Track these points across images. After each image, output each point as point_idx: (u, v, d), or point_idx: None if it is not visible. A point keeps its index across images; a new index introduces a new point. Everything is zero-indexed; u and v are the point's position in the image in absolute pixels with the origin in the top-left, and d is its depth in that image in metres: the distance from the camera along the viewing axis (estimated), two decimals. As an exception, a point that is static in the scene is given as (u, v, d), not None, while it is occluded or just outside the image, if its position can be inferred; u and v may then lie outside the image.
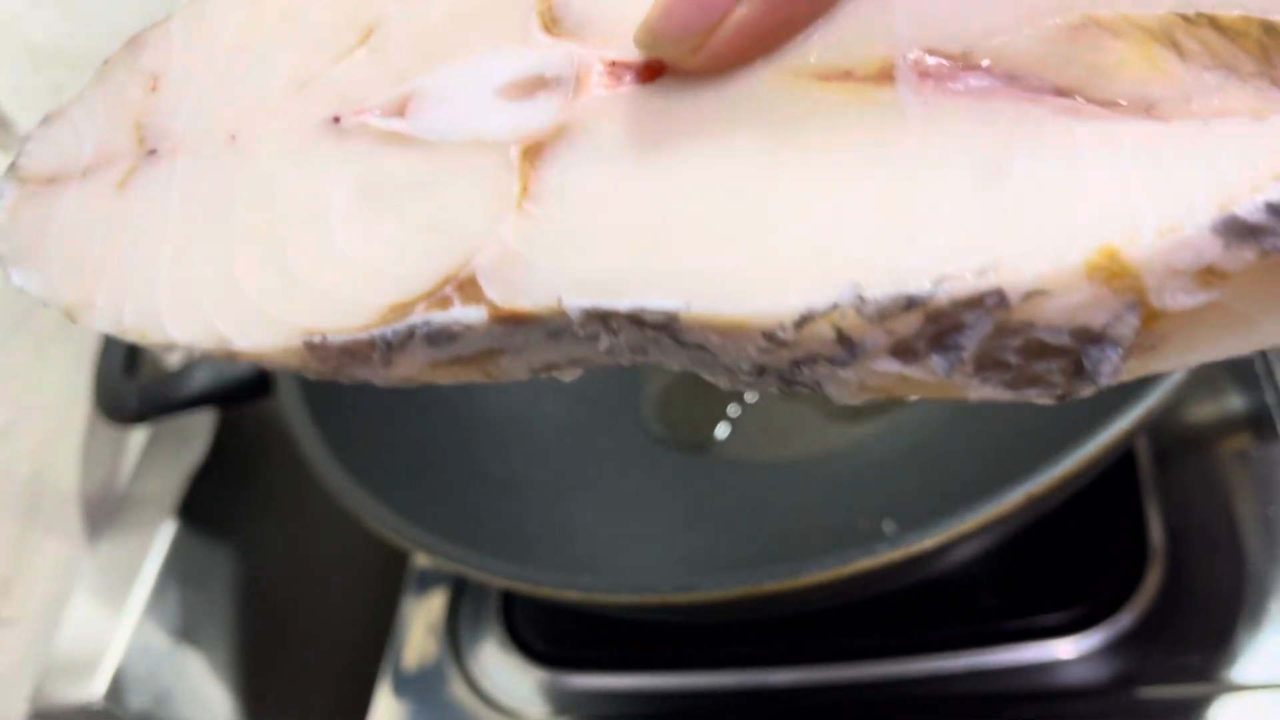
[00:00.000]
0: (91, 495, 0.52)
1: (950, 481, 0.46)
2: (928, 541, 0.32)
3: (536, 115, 0.18)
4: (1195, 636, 0.42)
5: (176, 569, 0.52)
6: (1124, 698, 0.42)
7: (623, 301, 0.17)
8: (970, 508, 0.32)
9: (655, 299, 0.16)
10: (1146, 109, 0.15)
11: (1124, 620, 0.44)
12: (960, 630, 0.45)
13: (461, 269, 0.18)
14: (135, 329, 0.22)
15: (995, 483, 0.42)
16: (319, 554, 0.63)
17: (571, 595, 0.35)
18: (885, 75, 0.16)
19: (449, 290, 0.18)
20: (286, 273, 0.20)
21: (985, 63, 0.16)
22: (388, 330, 0.18)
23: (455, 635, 0.54)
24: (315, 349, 0.19)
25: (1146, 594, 0.44)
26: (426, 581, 0.56)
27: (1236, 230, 0.14)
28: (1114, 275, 0.14)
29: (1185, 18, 0.15)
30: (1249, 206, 0.14)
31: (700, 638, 0.48)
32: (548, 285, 0.17)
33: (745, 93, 0.17)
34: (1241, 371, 0.50)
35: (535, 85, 0.19)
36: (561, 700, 0.49)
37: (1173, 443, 0.48)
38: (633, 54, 0.18)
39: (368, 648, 0.57)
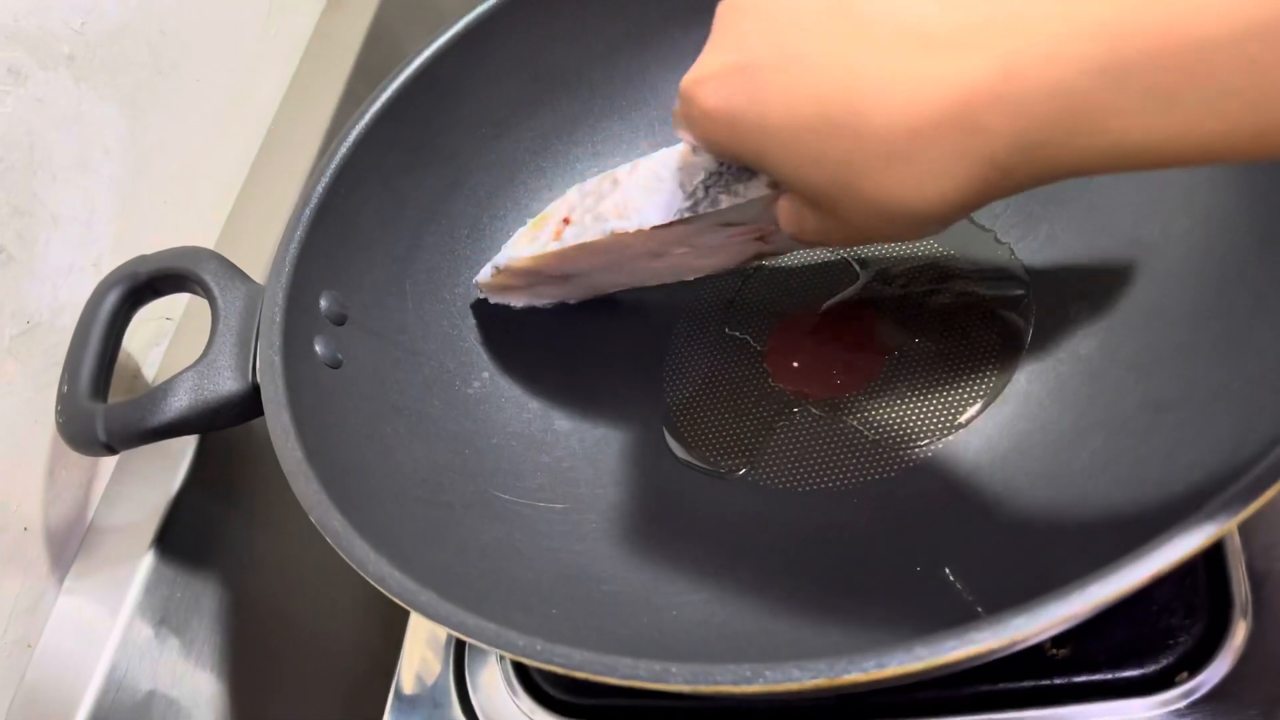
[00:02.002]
0: (58, 527, 0.47)
1: (1004, 523, 0.41)
2: (1031, 627, 0.28)
3: None
4: (1290, 698, 0.38)
5: (153, 609, 0.47)
6: (1207, 763, 0.38)
7: None
8: (1082, 586, 0.28)
9: None
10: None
11: (1209, 678, 0.39)
12: (1028, 685, 0.41)
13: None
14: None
15: (1060, 530, 0.38)
16: (314, 577, 0.58)
17: (610, 680, 0.31)
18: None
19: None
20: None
21: None
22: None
23: (461, 670, 0.49)
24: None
25: (1233, 648, 0.40)
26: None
27: None
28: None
29: None
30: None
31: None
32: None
33: None
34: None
35: None
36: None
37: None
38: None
39: (369, 671, 0.52)
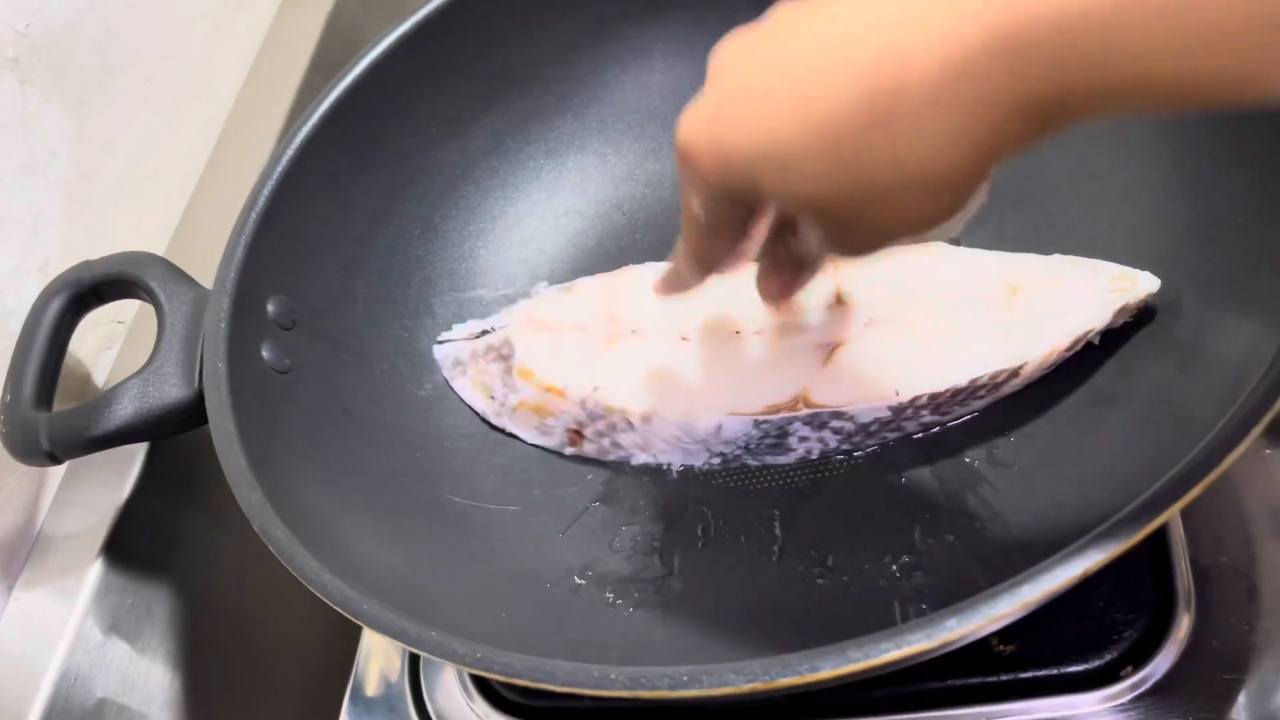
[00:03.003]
0: (6, 536, 0.47)
1: (953, 518, 0.42)
2: (962, 629, 0.28)
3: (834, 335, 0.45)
4: (1230, 693, 0.39)
5: (103, 617, 0.47)
6: (1152, 755, 0.39)
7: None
8: (1005, 592, 0.28)
9: None
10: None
11: (1153, 671, 0.40)
12: (976, 682, 0.41)
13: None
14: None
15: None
16: (270, 581, 0.57)
17: (550, 687, 0.30)
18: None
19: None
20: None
21: None
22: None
23: (416, 673, 0.49)
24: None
25: (1176, 642, 0.40)
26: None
27: None
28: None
29: None
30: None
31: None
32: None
33: None
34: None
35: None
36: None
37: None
38: (878, 315, 0.45)
39: (326, 675, 0.52)
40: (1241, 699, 0.39)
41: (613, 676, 0.29)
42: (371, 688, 0.50)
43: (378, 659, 0.50)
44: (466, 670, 0.32)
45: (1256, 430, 0.29)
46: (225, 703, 0.52)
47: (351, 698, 0.49)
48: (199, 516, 0.53)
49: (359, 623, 0.34)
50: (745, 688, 0.28)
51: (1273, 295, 0.34)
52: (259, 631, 0.55)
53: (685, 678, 0.29)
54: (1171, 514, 0.28)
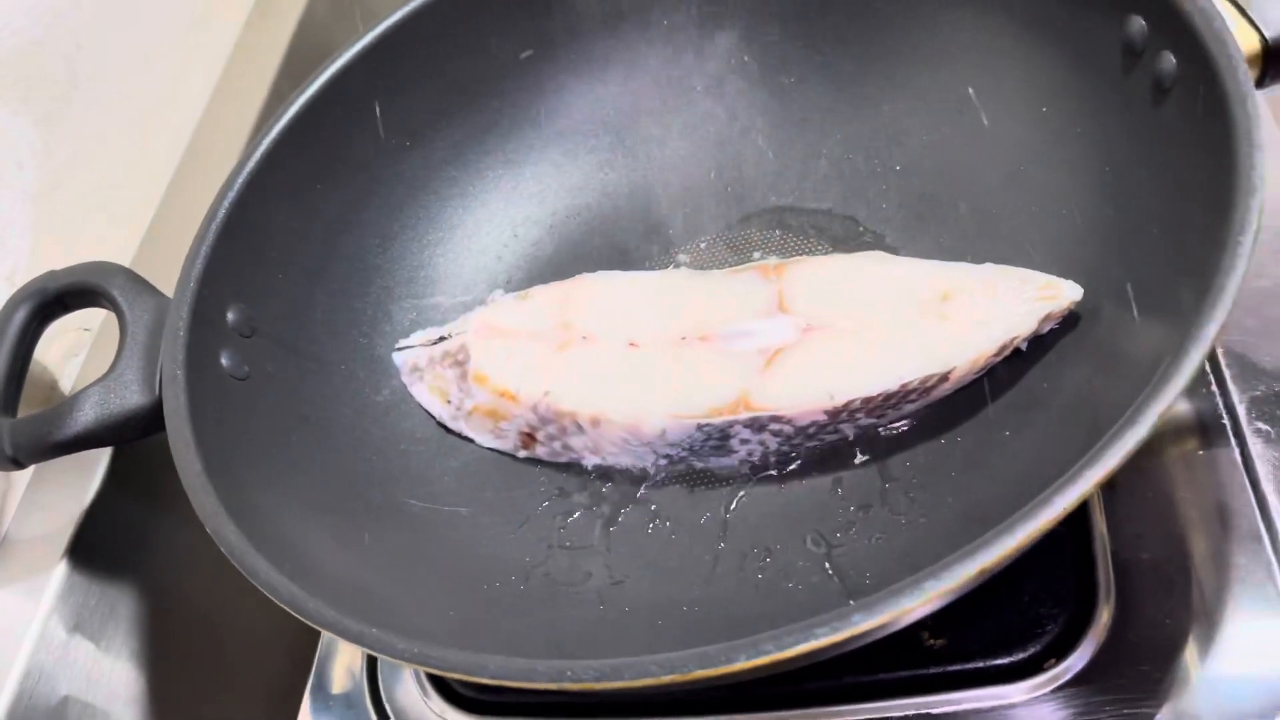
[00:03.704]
0: (-30, 539, 0.48)
1: (885, 515, 0.43)
2: (872, 621, 0.29)
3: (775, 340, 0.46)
4: (1148, 683, 0.41)
5: (67, 617, 0.48)
6: (1075, 742, 0.40)
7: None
8: (917, 585, 0.29)
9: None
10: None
11: (1074, 663, 0.42)
12: (906, 674, 0.43)
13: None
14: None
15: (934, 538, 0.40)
16: (233, 581, 0.59)
17: (483, 680, 0.32)
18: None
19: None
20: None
21: None
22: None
23: (374, 672, 0.51)
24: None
25: (1096, 634, 0.42)
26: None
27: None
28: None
29: None
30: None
31: (632, 686, 0.45)
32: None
33: None
34: (1192, 390, 0.48)
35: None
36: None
37: (1122, 470, 0.46)
38: (817, 321, 0.46)
39: (288, 673, 0.53)
40: (1158, 689, 0.41)
41: (539, 669, 0.31)
42: (333, 685, 0.51)
43: (341, 658, 0.52)
44: (406, 665, 0.33)
45: (1143, 429, 0.30)
46: (189, 701, 0.53)
47: (312, 695, 0.50)
48: (163, 519, 0.54)
49: (305, 620, 0.35)
50: (665, 679, 0.30)
51: (1177, 300, 0.36)
52: (222, 631, 0.57)
53: (608, 670, 0.30)
54: (1058, 518, 0.29)
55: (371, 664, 0.51)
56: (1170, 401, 0.31)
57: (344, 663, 0.51)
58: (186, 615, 0.54)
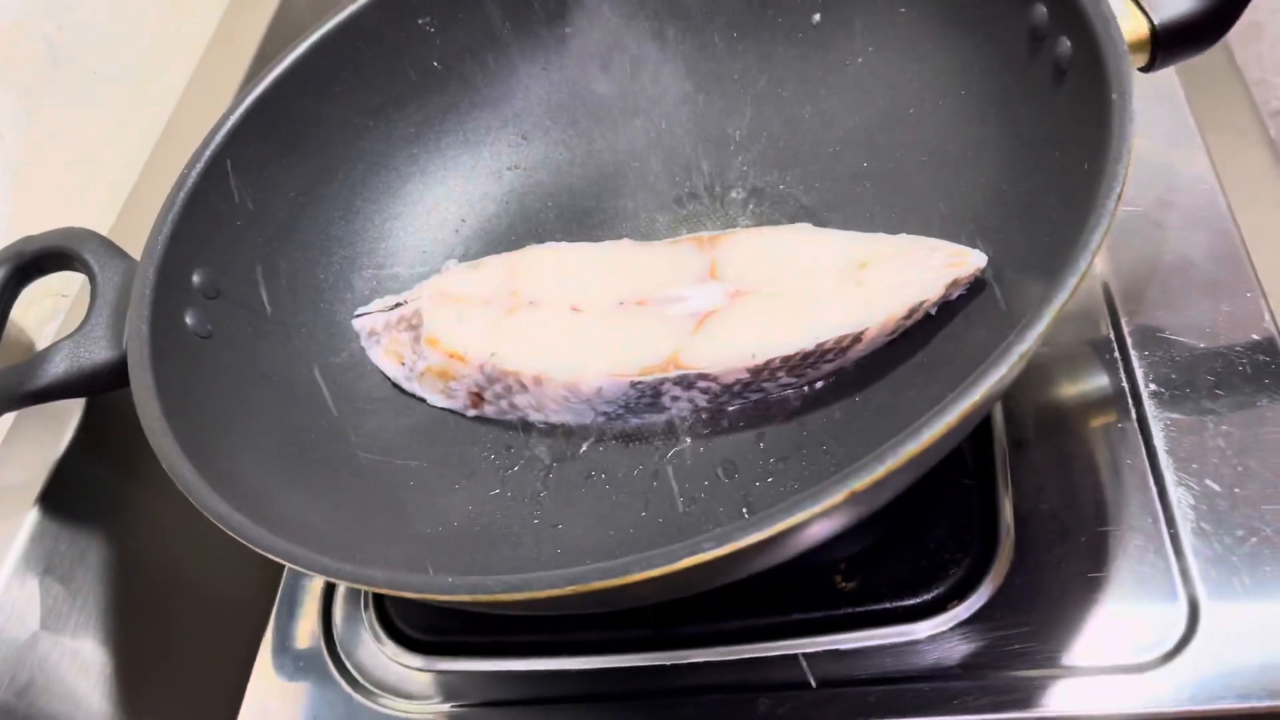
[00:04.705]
0: (-53, 485, 0.51)
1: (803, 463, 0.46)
2: (752, 537, 0.32)
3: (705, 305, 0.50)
4: (1041, 620, 0.44)
5: (37, 560, 0.51)
6: (974, 678, 0.43)
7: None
8: (790, 506, 0.32)
9: None
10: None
11: (972, 604, 0.45)
12: (820, 615, 0.46)
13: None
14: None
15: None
16: (202, 537, 0.62)
17: (409, 595, 0.35)
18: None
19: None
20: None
21: None
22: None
23: (329, 621, 0.54)
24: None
25: (993, 579, 0.45)
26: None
27: None
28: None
29: None
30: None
31: (564, 624, 0.49)
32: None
33: None
34: (1095, 355, 0.51)
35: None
36: (432, 684, 0.50)
37: (1028, 431, 0.49)
38: (745, 288, 0.50)
39: (252, 633, 0.56)
40: (1048, 627, 0.44)
41: (458, 584, 0.34)
42: (292, 634, 0.54)
43: (293, 613, 0.55)
44: (331, 580, 0.36)
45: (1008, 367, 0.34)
46: (153, 643, 0.56)
47: (274, 639, 0.53)
48: (131, 473, 0.57)
49: (250, 546, 0.38)
50: (568, 590, 0.33)
51: (1059, 261, 0.39)
52: (188, 583, 0.60)
53: (518, 583, 0.33)
54: (923, 448, 0.32)
55: (326, 612, 0.54)
56: (1032, 341, 0.34)
57: (299, 616, 0.54)
58: (152, 563, 0.57)
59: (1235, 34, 0.46)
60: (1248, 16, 0.45)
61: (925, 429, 0.33)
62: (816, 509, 0.32)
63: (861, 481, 0.32)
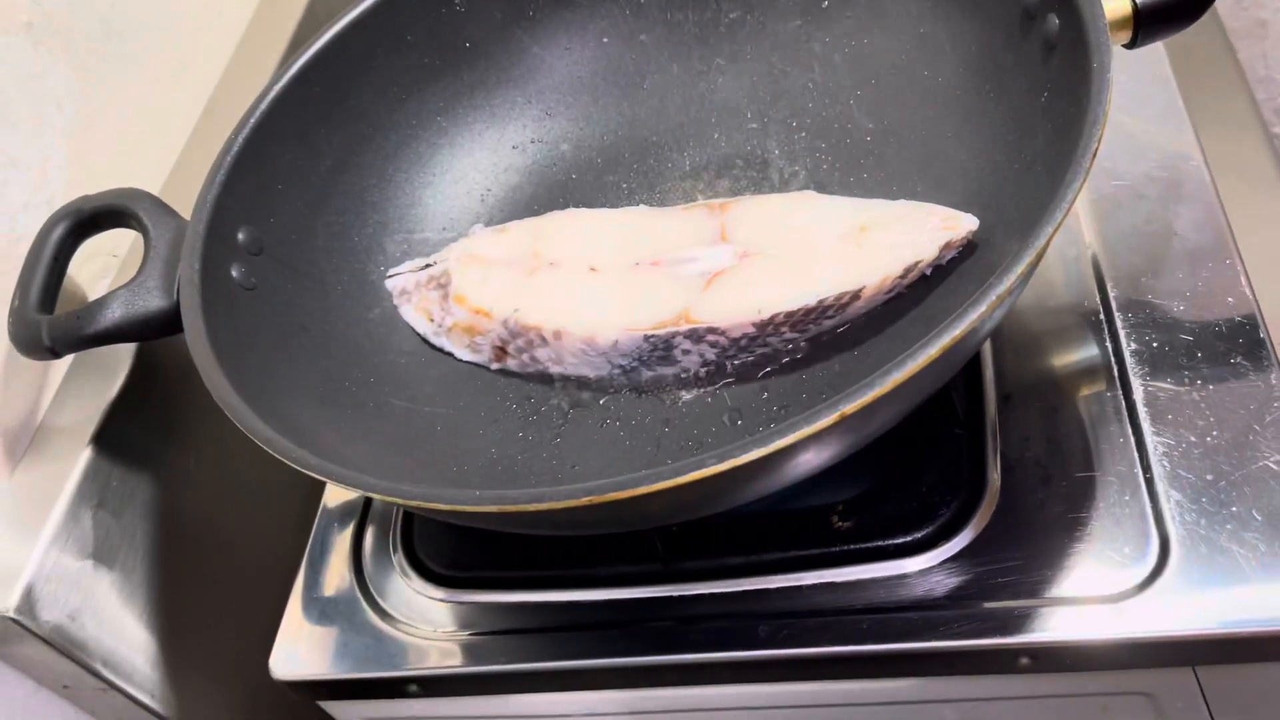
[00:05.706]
0: (8, 424, 0.55)
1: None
2: (752, 454, 0.36)
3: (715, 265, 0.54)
4: (1024, 555, 0.47)
5: (91, 495, 0.55)
6: (959, 608, 0.46)
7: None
8: (786, 427, 0.36)
9: None
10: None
11: (958, 543, 0.48)
12: (817, 551, 0.49)
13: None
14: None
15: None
16: (241, 483, 0.66)
17: (439, 507, 0.39)
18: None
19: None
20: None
21: None
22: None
23: (359, 560, 0.57)
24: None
25: (981, 520, 0.48)
26: (339, 511, 0.60)
27: None
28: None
29: None
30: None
31: (577, 559, 0.52)
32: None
33: None
34: (1081, 318, 0.54)
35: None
36: (455, 614, 0.53)
37: (1017, 386, 0.52)
38: (753, 249, 0.53)
39: (286, 573, 0.60)
40: (1029, 564, 0.47)
41: (478, 494, 0.37)
42: (323, 572, 0.58)
43: (331, 552, 0.58)
44: (345, 488, 0.39)
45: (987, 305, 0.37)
46: (194, 579, 0.60)
47: (306, 575, 0.57)
48: (179, 416, 0.61)
49: (289, 463, 0.42)
50: (584, 500, 0.36)
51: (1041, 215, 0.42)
52: (227, 518, 0.63)
53: (536, 495, 0.37)
54: (897, 382, 0.36)
55: (358, 557, 0.57)
56: (1010, 283, 0.37)
57: (332, 558, 0.58)
58: (194, 505, 0.61)
59: (1240, 31, 0.48)
60: (1253, 14, 0.48)
61: (910, 360, 0.36)
62: (810, 429, 0.35)
63: (852, 404, 0.36)
